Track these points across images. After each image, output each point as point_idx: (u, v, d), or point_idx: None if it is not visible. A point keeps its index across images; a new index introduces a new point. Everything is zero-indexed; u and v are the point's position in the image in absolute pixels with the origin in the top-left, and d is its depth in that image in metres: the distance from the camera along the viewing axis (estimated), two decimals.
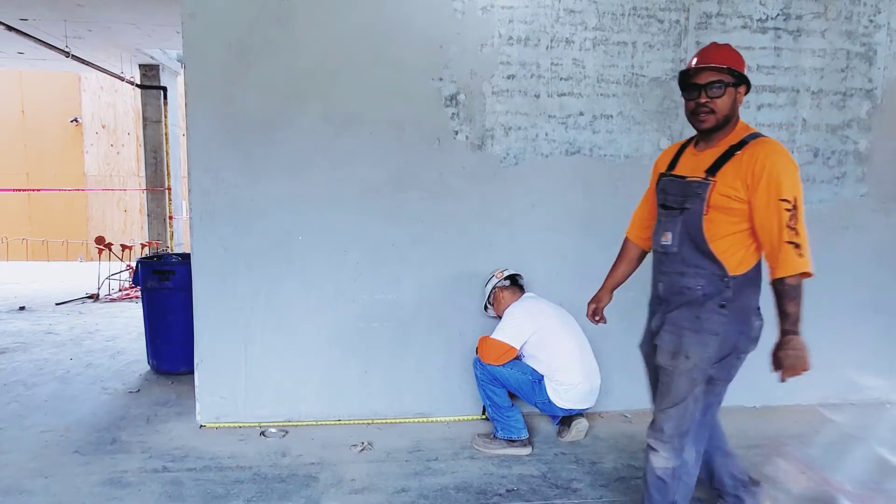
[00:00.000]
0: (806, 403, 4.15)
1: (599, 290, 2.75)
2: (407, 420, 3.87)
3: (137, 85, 10.30)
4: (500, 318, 3.58)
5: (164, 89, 10.32)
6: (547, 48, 3.73)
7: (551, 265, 3.88)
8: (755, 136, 2.22)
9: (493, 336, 3.43)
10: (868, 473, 3.23)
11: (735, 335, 2.21)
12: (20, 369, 4.94)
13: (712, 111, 2.19)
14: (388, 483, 3.07)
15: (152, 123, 10.39)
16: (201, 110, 3.58)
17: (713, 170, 2.19)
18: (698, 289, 2.21)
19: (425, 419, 3.89)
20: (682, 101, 3.81)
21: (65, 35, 7.77)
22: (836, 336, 4.14)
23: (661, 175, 2.41)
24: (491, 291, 3.63)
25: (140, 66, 10.07)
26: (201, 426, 3.75)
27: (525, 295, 3.61)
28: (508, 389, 3.43)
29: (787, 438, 3.63)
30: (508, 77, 3.73)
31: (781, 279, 2.07)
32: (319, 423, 3.81)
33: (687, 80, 2.26)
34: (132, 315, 7.11)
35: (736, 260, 2.18)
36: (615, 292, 2.78)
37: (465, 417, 3.92)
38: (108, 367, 5.03)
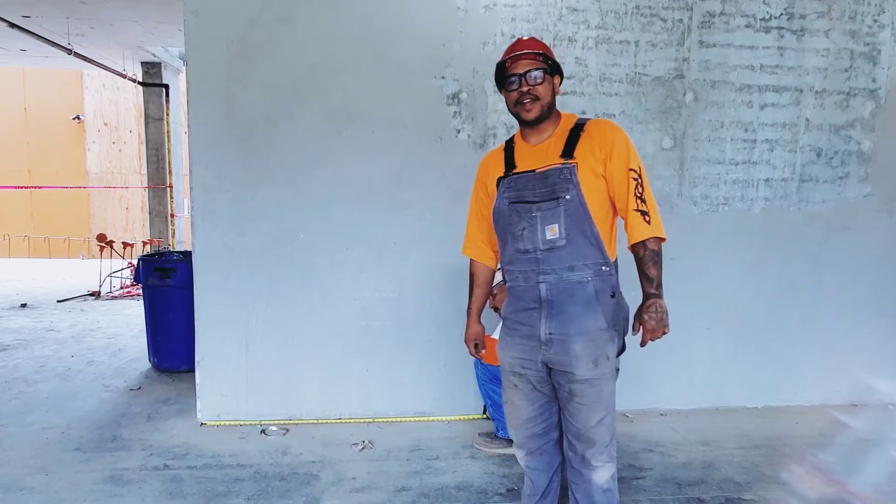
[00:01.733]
0: (808, 404, 4.14)
1: (470, 322, 2.50)
2: (408, 419, 3.87)
3: (139, 82, 10.31)
4: (496, 310, 3.55)
5: (166, 87, 10.33)
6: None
7: None
8: (587, 118, 2.22)
9: (493, 336, 3.41)
10: (873, 474, 3.22)
11: (623, 322, 2.19)
12: (21, 366, 4.94)
13: (536, 98, 2.14)
14: (388, 482, 3.06)
15: (154, 121, 10.40)
16: (203, 108, 3.58)
17: (568, 153, 2.13)
18: (588, 282, 2.12)
19: (426, 418, 3.89)
20: (685, 100, 3.86)
21: (67, 32, 7.78)
22: (838, 337, 4.14)
23: (501, 177, 2.26)
24: (497, 284, 3.58)
25: (142, 63, 10.08)
26: (202, 424, 3.75)
27: None
28: None
29: (789, 439, 3.62)
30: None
31: (640, 243, 2.10)
32: (320, 421, 3.81)
33: (504, 74, 2.20)
34: (133, 313, 7.12)
35: (609, 243, 2.16)
36: None
37: (466, 416, 3.91)
38: (110, 364, 5.04)
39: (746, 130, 3.94)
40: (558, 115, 2.26)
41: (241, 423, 3.76)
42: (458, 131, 3.73)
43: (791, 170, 4.01)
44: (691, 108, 3.89)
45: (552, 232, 2.12)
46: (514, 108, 2.19)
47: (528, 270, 2.17)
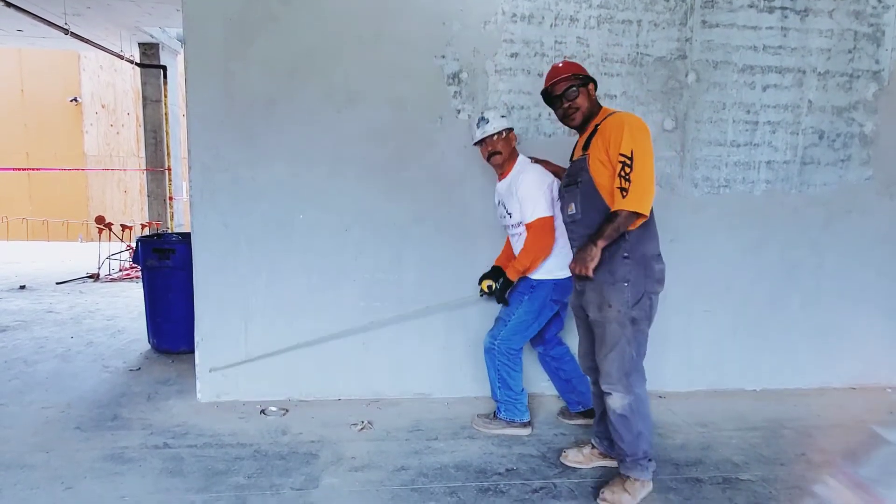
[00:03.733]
0: (807, 387, 4.15)
1: None
2: (407, 399, 3.88)
3: (137, 64, 10.22)
4: (492, 157, 3.32)
5: (164, 68, 10.25)
6: (551, 26, 3.68)
7: None
8: (610, 114, 2.70)
9: (530, 220, 3.16)
10: (869, 456, 3.23)
11: (642, 279, 2.62)
12: (21, 347, 4.95)
13: (577, 108, 2.75)
14: (387, 461, 3.07)
15: (152, 103, 10.33)
16: (201, 87, 3.54)
17: (587, 146, 2.70)
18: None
19: (425, 399, 3.90)
20: (687, 81, 3.83)
21: (64, 12, 7.70)
22: (838, 320, 4.14)
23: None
24: (505, 130, 3.30)
25: (140, 44, 10.00)
26: (202, 404, 3.76)
27: (520, 159, 3.37)
28: (540, 327, 3.31)
29: (787, 421, 3.63)
30: (511, 55, 3.69)
31: (613, 212, 2.55)
32: (320, 401, 3.82)
33: (549, 96, 2.83)
34: (132, 295, 7.12)
35: None
36: None
37: (466, 397, 3.92)
38: (109, 345, 5.04)
39: (748, 112, 3.92)
40: (600, 111, 2.78)
41: (241, 402, 3.77)
42: (459, 111, 3.71)
43: (793, 152, 3.99)
44: (693, 89, 3.86)
45: (570, 209, 2.76)
46: (563, 120, 2.81)
47: (570, 235, 2.89)
